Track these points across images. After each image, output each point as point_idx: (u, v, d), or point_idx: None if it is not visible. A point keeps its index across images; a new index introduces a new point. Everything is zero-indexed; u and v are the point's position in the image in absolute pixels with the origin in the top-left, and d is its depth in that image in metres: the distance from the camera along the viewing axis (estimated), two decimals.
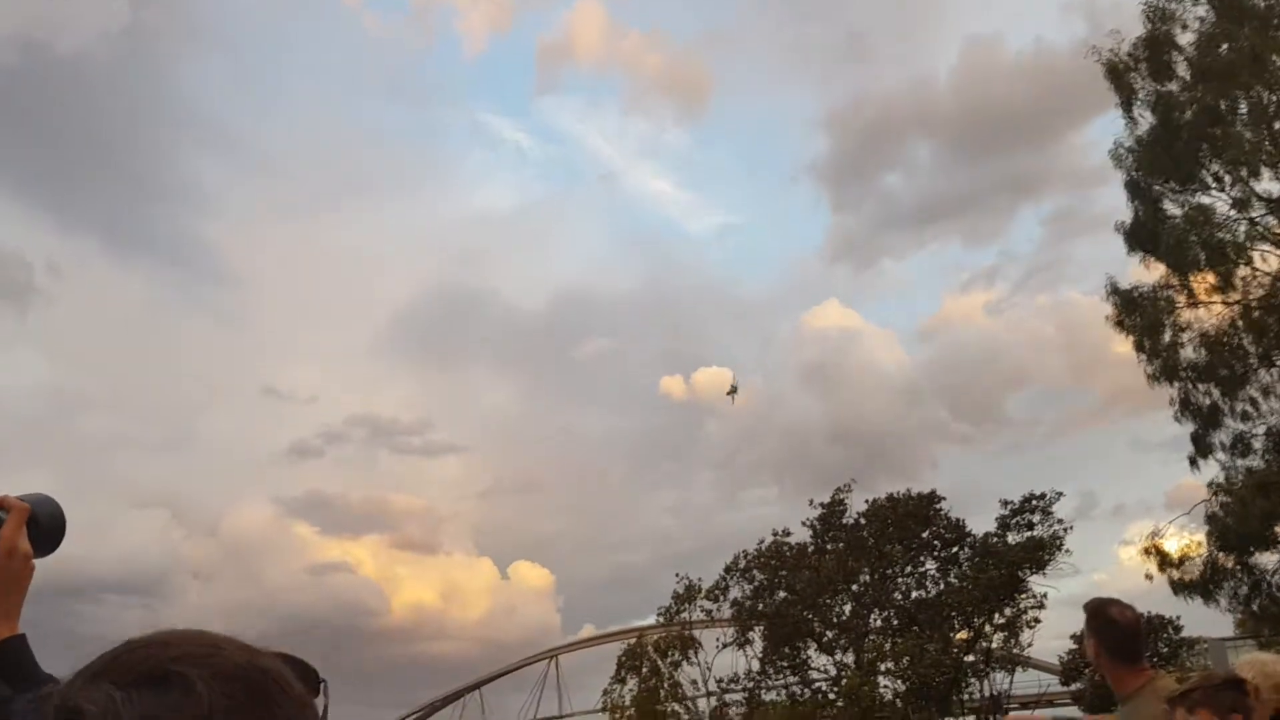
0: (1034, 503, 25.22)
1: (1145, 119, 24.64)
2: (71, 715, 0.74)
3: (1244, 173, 22.99)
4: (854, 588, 23.89)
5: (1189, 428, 24.51)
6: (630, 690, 20.90)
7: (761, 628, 22.64)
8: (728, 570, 23.10)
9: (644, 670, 20.85)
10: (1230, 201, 23.30)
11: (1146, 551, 24.33)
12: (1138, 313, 24.20)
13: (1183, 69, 24.12)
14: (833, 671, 22.98)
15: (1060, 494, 25.96)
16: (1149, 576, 24.26)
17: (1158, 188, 24.26)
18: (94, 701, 0.74)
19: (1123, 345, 25.40)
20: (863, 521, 24.87)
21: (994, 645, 25.42)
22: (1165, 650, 29.28)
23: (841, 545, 24.33)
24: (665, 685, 20.76)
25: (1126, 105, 24.91)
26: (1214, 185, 23.64)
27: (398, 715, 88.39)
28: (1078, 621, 26.75)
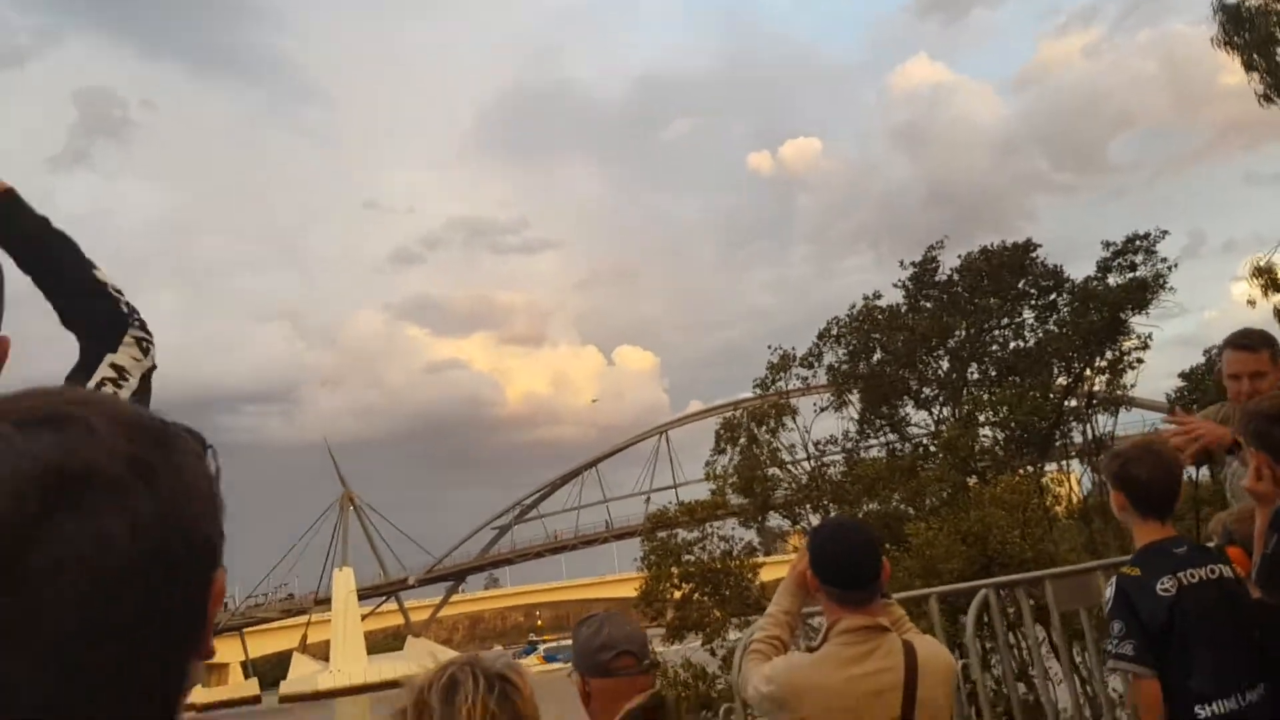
0: (1137, 243, 24.35)
1: None
2: None
3: None
4: (950, 344, 23.85)
5: None
6: (731, 460, 21.68)
7: (858, 391, 23.00)
8: (820, 337, 23.28)
9: (742, 440, 21.53)
10: None
11: (1255, 274, 23.31)
12: (1247, 28, 22.41)
13: None
14: (931, 426, 23.33)
15: (1165, 232, 24.86)
16: (1251, 302, 23.44)
17: None
18: None
19: (1232, 74, 23.55)
20: (956, 278, 24.51)
21: (1096, 388, 25.26)
22: None
23: (935, 303, 24.17)
24: (764, 452, 21.45)
25: None
26: None
27: (523, 494, 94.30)
28: (1185, 360, 26.19)
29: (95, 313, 1.69)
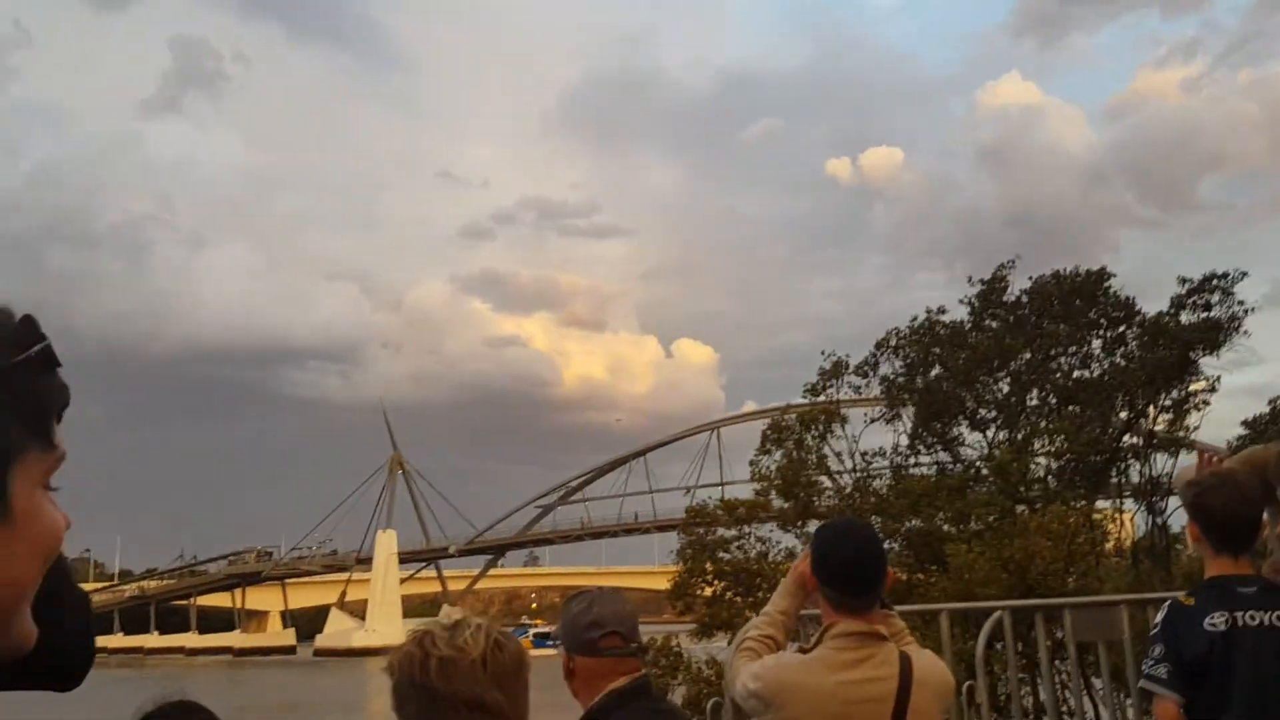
0: (1214, 282, 23.65)
1: None
2: None
3: None
4: (1012, 366, 23.38)
5: None
6: (776, 461, 21.53)
7: (911, 405, 22.67)
8: (878, 346, 22.95)
9: (789, 443, 21.37)
10: None
11: None
12: None
13: None
14: (985, 448, 22.93)
15: (1244, 273, 24.12)
16: None
17: None
18: None
19: None
20: (1024, 299, 24.02)
21: (1158, 427, 24.61)
22: None
23: (1000, 323, 23.71)
24: (812, 457, 21.27)
25: None
26: None
27: (570, 476, 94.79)
28: (1253, 408, 25.40)
29: None
